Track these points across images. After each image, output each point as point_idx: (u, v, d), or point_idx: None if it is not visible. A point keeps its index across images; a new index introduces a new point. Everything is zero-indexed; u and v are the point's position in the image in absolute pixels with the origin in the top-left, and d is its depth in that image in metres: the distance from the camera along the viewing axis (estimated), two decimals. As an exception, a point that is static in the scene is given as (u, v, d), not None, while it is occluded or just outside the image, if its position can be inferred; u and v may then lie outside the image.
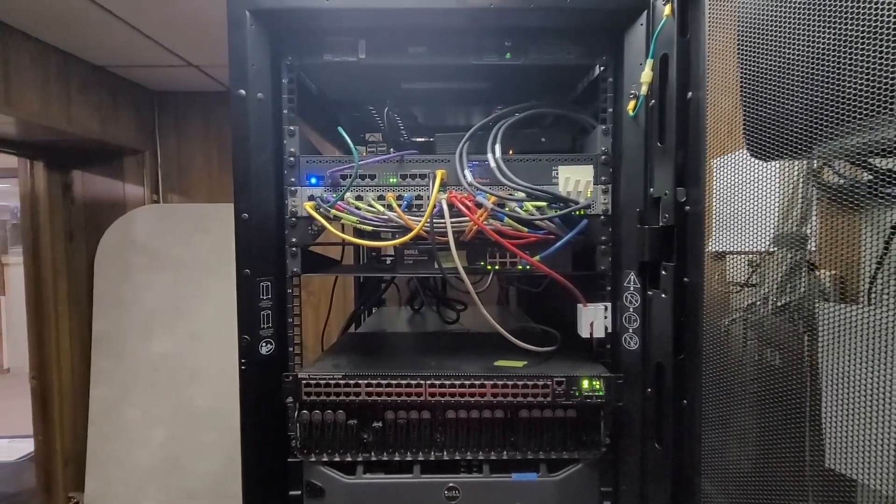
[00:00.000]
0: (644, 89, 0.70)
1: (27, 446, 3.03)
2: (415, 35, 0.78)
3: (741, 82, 0.68)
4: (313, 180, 0.79)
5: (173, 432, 2.17)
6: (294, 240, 0.79)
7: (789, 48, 0.58)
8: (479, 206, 0.75)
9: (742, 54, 0.63)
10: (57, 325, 2.37)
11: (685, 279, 0.69)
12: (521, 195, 0.76)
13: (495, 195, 0.75)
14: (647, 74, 0.70)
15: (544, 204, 0.76)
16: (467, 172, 0.76)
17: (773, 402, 0.68)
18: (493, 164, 0.76)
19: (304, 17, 0.75)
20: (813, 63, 0.56)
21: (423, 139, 1.15)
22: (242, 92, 0.73)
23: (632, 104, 0.73)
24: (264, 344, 0.76)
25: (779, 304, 0.73)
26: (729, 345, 0.76)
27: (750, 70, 0.65)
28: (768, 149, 0.66)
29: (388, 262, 1.39)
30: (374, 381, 0.76)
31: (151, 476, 2.16)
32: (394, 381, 0.76)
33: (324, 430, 0.77)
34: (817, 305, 0.57)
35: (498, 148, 0.77)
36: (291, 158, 0.79)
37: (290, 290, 0.80)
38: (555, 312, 1.09)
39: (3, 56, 1.68)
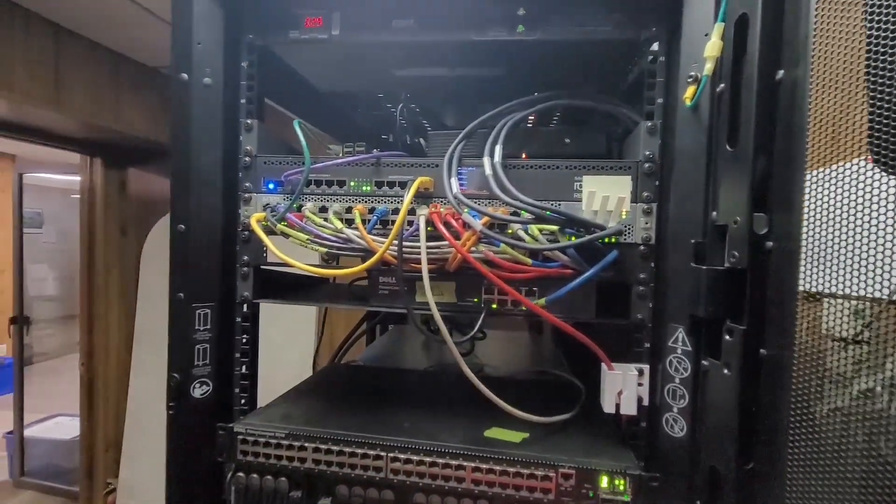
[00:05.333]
0: (709, 68, 0.48)
1: (83, 426, 3.21)
2: (401, 4, 0.61)
3: (868, 65, 0.44)
4: (271, 185, 0.64)
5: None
6: (246, 258, 0.65)
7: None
8: (469, 226, 0.56)
9: (872, 23, 0.40)
10: (107, 315, 2.46)
11: (761, 351, 0.46)
12: (527, 214, 0.56)
13: (488, 214, 0.55)
14: (714, 45, 0.47)
15: (556, 228, 0.55)
16: (453, 181, 0.58)
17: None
18: (488, 171, 0.57)
19: (262, -16, 0.60)
20: None
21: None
22: (185, 76, 0.60)
23: (690, 91, 0.51)
24: (199, 384, 0.62)
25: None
26: (829, 449, 0.51)
27: (885, 48, 0.41)
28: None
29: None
30: (322, 447, 0.59)
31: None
32: (347, 449, 0.58)
33: (261, 500, 0.61)
34: None
35: (498, 150, 0.58)
36: (247, 158, 0.65)
37: (238, 319, 0.65)
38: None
39: (54, 55, 1.73)
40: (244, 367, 0.66)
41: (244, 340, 0.66)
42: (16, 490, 2.92)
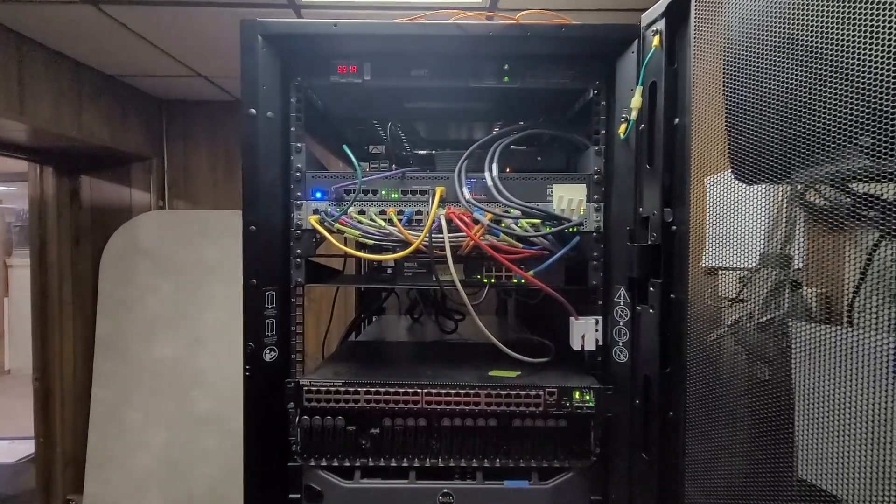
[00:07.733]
0: (634, 114, 0.74)
1: (27, 448, 3.05)
2: (417, 59, 0.83)
3: (726, 111, 0.72)
4: (318, 195, 0.83)
5: (174, 436, 2.19)
6: (298, 251, 0.83)
7: (767, 83, 0.62)
8: (477, 221, 0.78)
9: (727, 86, 0.67)
10: (61, 327, 2.39)
11: (671, 295, 0.72)
12: (517, 212, 0.79)
13: (491, 212, 0.78)
14: (636, 101, 0.73)
15: (538, 221, 0.79)
16: (465, 190, 0.80)
17: (758, 415, 0.71)
18: (490, 183, 0.80)
19: (313, 42, 0.79)
20: (789, 97, 0.60)
21: (424, 151, 1.19)
22: (253, 111, 0.77)
23: (623, 127, 0.77)
24: (268, 351, 0.79)
25: (762, 320, 0.76)
26: (715, 359, 0.79)
27: (734, 100, 0.69)
28: (752, 173, 0.70)
29: (389, 271, 1.43)
30: (372, 389, 0.79)
31: (151, 479, 2.18)
32: (391, 389, 0.79)
33: (323, 436, 0.80)
34: (792, 324, 0.61)
35: (495, 167, 0.81)
36: (298, 174, 0.83)
37: (293, 300, 0.83)
38: (551, 324, 1.12)
39: (17, 65, 1.73)
40: (298, 338, 0.84)
41: (297, 316, 0.84)
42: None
